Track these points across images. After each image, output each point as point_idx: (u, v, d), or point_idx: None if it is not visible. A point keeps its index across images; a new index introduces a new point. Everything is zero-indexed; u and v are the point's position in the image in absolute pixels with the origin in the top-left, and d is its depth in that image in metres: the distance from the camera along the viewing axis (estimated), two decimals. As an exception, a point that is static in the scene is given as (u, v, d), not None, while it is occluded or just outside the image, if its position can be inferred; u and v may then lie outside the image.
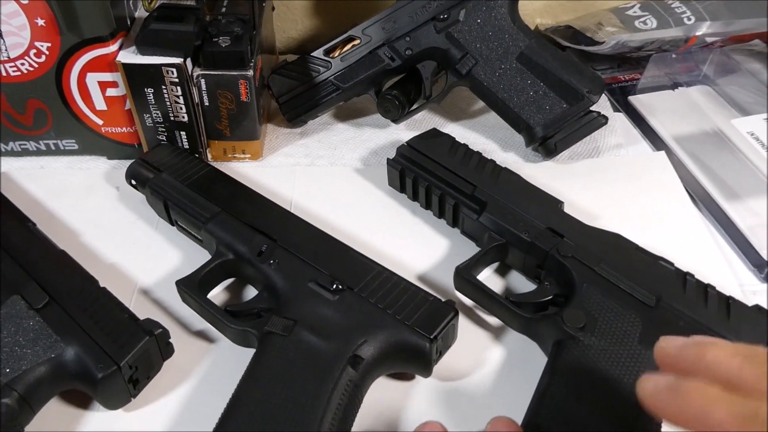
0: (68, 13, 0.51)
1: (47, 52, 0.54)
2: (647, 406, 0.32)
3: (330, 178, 0.61)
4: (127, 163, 0.58)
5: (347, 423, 0.40)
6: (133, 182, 0.56)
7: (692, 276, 0.46)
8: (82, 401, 0.44)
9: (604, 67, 0.74)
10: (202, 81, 0.56)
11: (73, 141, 0.61)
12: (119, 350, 0.41)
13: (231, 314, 0.46)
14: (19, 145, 0.61)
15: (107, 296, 0.45)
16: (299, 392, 0.39)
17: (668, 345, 0.33)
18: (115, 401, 0.42)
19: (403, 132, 0.67)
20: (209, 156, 0.62)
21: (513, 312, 0.46)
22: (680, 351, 0.32)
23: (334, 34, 0.63)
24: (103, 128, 0.60)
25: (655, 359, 0.33)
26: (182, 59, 0.54)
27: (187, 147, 0.60)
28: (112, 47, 0.54)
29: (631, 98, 0.69)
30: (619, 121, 0.67)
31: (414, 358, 0.43)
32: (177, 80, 0.55)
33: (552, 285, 0.48)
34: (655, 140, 0.65)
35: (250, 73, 0.56)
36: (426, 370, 0.44)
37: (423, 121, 0.68)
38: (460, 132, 0.67)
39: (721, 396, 0.29)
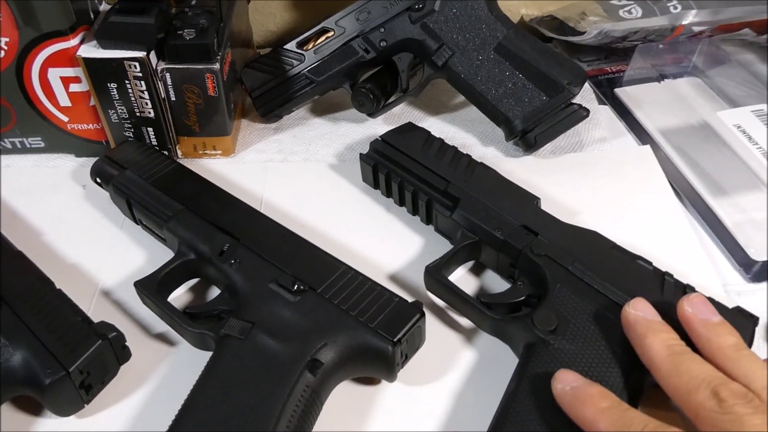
0: (24, 7, 0.50)
1: (6, 47, 0.52)
2: (559, 404, 0.36)
3: (303, 174, 0.60)
4: (95, 160, 0.56)
5: (304, 430, 0.38)
6: (98, 180, 0.55)
7: (671, 276, 0.44)
8: (34, 407, 0.42)
9: (590, 59, 0.72)
10: (167, 75, 0.54)
11: (39, 139, 0.59)
12: (69, 355, 0.40)
13: (190, 316, 0.45)
14: (-15, 143, 0.59)
15: (61, 298, 0.43)
16: (253, 397, 0.38)
17: (629, 313, 0.39)
18: (66, 408, 0.41)
19: (381, 127, 0.65)
20: (179, 153, 0.60)
21: (483, 313, 0.44)
22: (633, 322, 0.39)
23: (312, 27, 0.61)
24: (68, 125, 0.58)
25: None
26: (145, 53, 0.52)
27: (155, 144, 0.58)
28: (73, 41, 0.53)
29: (617, 90, 0.67)
30: (603, 113, 0.65)
31: (377, 362, 0.41)
32: (140, 75, 0.53)
33: (525, 285, 0.46)
34: (641, 134, 0.62)
35: (217, 66, 0.54)
36: (390, 374, 0.42)
37: (402, 115, 0.66)
38: (440, 126, 0.65)
39: (608, 410, 0.34)
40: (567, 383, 0.36)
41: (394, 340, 0.40)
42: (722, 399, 0.33)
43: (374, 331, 0.41)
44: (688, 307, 0.38)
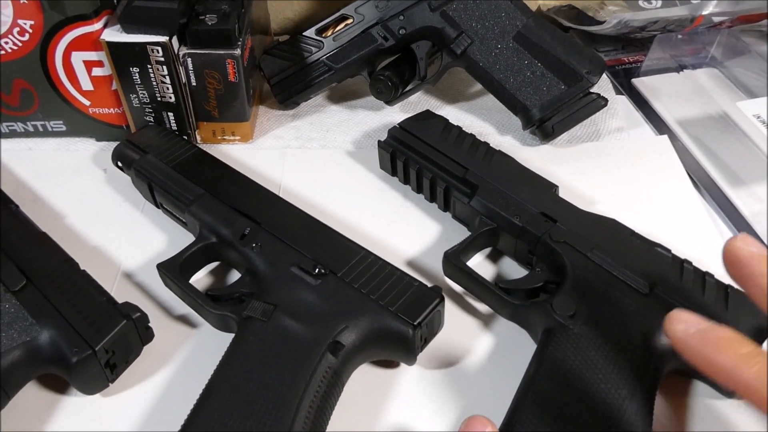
0: (50, -10, 0.50)
1: (31, 31, 0.53)
2: (675, 348, 0.31)
3: (321, 160, 0.60)
4: (116, 144, 0.57)
5: (326, 410, 0.39)
6: (119, 164, 0.55)
7: (690, 263, 0.44)
8: (59, 386, 0.43)
9: (608, 49, 0.72)
10: (189, 60, 0.54)
11: (61, 122, 0.60)
12: (95, 334, 0.40)
13: (212, 298, 0.45)
14: (7, 126, 0.60)
15: (86, 279, 0.44)
16: (275, 379, 0.38)
17: (740, 249, 0.32)
18: (92, 386, 0.42)
19: (398, 114, 0.65)
20: (198, 138, 0.60)
21: (502, 299, 0.45)
22: (745, 257, 0.32)
23: (330, 14, 0.61)
24: (90, 109, 0.59)
25: (723, 252, 0.33)
26: (167, 38, 0.52)
27: (175, 128, 0.59)
28: (97, 25, 0.53)
29: (635, 81, 0.67)
30: (621, 104, 0.65)
31: (397, 345, 0.42)
32: (163, 59, 0.53)
33: (543, 271, 0.46)
34: (659, 124, 0.62)
35: (238, 52, 0.54)
36: (410, 357, 0.42)
37: (419, 103, 0.67)
38: (456, 114, 0.65)
39: (752, 355, 0.29)
40: (690, 324, 0.31)
41: (415, 323, 0.41)
42: None
43: (395, 315, 0.41)
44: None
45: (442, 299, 0.43)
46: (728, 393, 0.41)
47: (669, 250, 0.45)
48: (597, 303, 0.42)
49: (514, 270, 0.50)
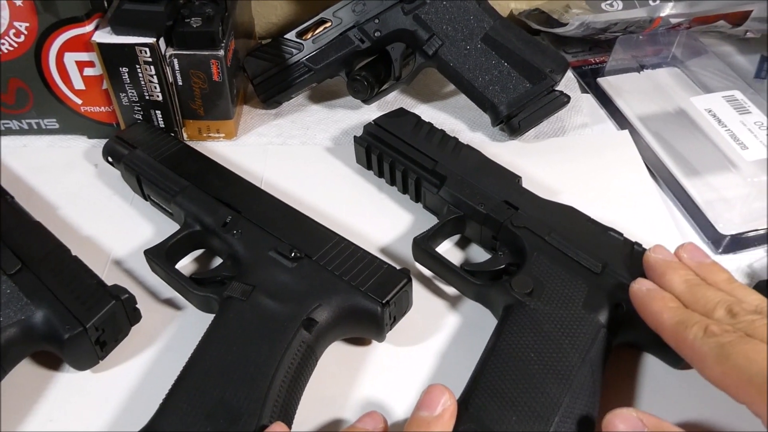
0: (44, -5, 0.53)
1: (26, 32, 0.56)
2: (633, 302, 0.42)
3: (301, 156, 0.63)
4: (106, 141, 0.60)
5: (299, 382, 0.42)
6: (110, 159, 0.58)
7: (639, 245, 0.47)
8: (53, 363, 0.46)
9: (576, 50, 0.75)
10: (175, 61, 0.58)
11: (54, 120, 0.63)
12: (86, 313, 0.43)
13: (195, 281, 0.48)
14: (3, 124, 0.63)
15: (77, 263, 0.47)
16: (253, 352, 0.41)
17: (650, 256, 0.44)
18: (83, 362, 0.44)
19: (375, 113, 0.68)
20: (185, 135, 0.64)
21: (466, 280, 0.48)
22: (653, 263, 0.44)
23: (310, 17, 0.65)
24: (82, 108, 0.62)
25: (644, 261, 0.45)
26: (155, 39, 0.56)
27: (163, 126, 0.62)
28: (88, 27, 0.56)
29: (600, 80, 0.70)
30: (585, 101, 0.69)
31: (367, 323, 0.45)
32: (150, 60, 0.57)
33: (506, 255, 0.50)
34: (621, 120, 0.66)
35: (221, 53, 0.57)
36: (379, 334, 0.45)
37: (395, 102, 0.70)
38: (430, 113, 0.69)
39: (672, 307, 0.39)
40: (644, 285, 0.42)
41: (383, 302, 0.44)
42: (736, 313, 0.37)
43: (365, 294, 0.44)
44: (684, 253, 0.44)
45: (410, 280, 0.46)
46: (675, 363, 0.45)
47: (621, 234, 0.48)
48: (552, 281, 0.45)
49: (480, 257, 0.53)
